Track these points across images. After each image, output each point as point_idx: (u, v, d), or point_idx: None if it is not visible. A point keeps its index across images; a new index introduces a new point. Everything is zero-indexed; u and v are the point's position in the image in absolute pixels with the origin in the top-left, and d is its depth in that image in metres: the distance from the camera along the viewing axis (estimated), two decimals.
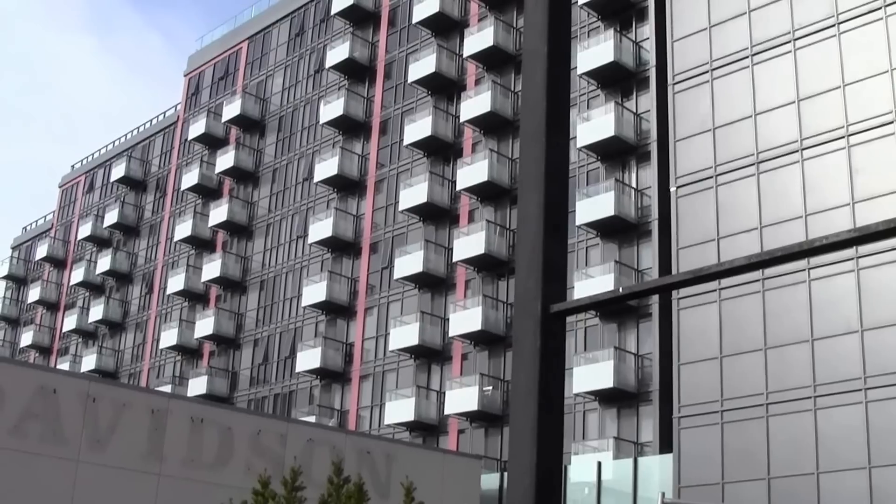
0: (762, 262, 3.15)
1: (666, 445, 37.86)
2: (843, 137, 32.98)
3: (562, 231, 3.82)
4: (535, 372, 3.60)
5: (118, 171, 77.59)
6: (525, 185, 3.83)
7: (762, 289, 33.54)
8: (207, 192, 69.02)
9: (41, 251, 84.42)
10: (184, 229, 68.08)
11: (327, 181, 58.99)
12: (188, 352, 66.23)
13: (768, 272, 32.40)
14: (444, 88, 55.22)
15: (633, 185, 44.87)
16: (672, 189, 37.68)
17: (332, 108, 59.83)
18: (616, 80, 46.51)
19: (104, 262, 75.24)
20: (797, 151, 33.93)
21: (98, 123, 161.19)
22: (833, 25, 34.04)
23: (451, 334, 49.12)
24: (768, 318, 33.28)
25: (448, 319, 49.85)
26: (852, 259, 31.64)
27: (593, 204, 44.19)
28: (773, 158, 34.53)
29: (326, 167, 58.79)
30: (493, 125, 51.57)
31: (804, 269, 32.40)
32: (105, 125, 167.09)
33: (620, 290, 3.59)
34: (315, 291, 56.72)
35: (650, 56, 45.12)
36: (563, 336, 3.74)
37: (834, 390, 31.31)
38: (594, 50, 46.27)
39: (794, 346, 32.44)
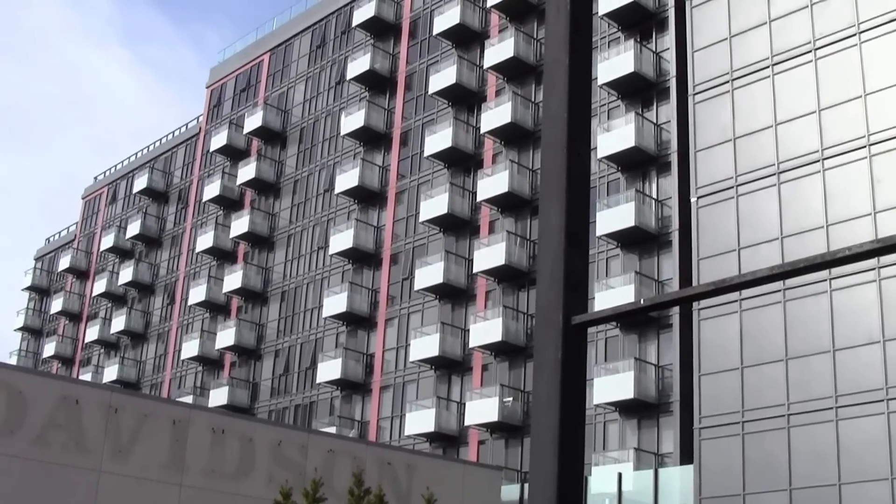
0: (785, 272, 3.14)
1: (687, 456, 37.71)
2: (864, 147, 32.83)
3: (583, 242, 3.82)
4: (557, 383, 3.60)
5: (140, 183, 77.99)
6: (547, 195, 3.84)
7: (783, 299, 33.39)
8: (229, 203, 69.28)
9: (64, 262, 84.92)
10: (205, 240, 68.34)
11: (348, 192, 59.12)
12: (209, 362, 66.42)
13: (789, 282, 32.26)
14: (465, 100, 55.30)
15: (654, 195, 44.78)
16: (693, 199, 37.58)
17: (353, 120, 59.99)
18: (636, 91, 46.47)
19: (126, 273, 75.58)
20: (818, 161, 33.79)
21: (129, 135, 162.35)
22: (854, 35, 33.92)
23: (471, 345, 49.10)
24: (789, 328, 33.13)
25: (468, 330, 49.84)
26: (874, 269, 31.47)
27: (614, 214, 44.14)
28: (794, 168, 34.40)
29: (347, 178, 58.92)
30: (513, 136, 51.59)
31: (825, 280, 32.25)
32: (136, 137, 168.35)
33: (642, 301, 3.58)
34: (336, 302, 56.80)
35: (670, 66, 45.08)
36: (584, 347, 3.73)
37: (856, 401, 31.12)
38: (614, 60, 46.25)
39: (816, 356, 32.27)
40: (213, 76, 76.86)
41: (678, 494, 36.01)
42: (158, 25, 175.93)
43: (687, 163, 39.63)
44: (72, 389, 23.58)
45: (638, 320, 42.52)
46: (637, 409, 42.13)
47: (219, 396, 61.86)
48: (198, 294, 67.41)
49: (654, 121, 45.61)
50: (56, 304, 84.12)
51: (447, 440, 49.69)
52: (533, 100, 52.01)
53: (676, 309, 40.48)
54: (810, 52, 34.95)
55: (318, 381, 56.67)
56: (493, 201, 50.74)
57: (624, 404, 42.08)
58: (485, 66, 53.53)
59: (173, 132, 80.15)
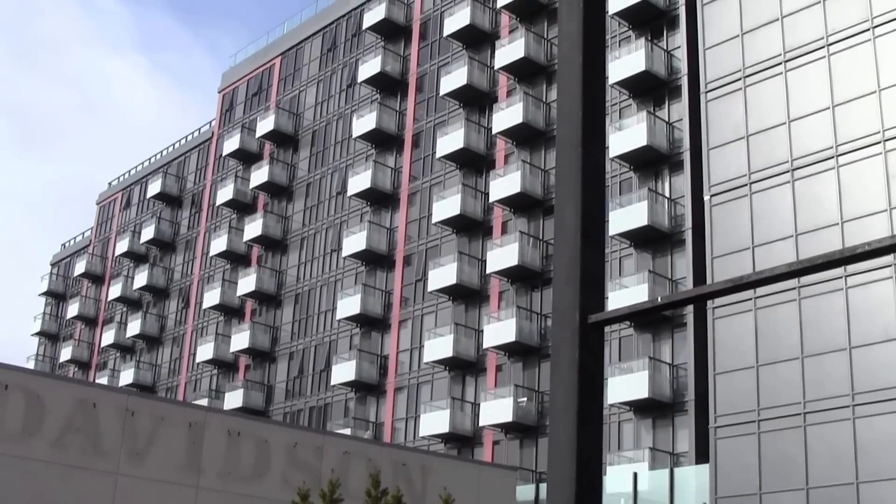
0: (803, 269, 3.12)
1: (702, 456, 37.62)
2: (878, 143, 32.70)
3: (598, 241, 3.81)
4: (574, 383, 3.59)
5: (154, 188, 78.18)
6: (562, 194, 3.83)
7: (798, 297, 33.28)
8: (242, 206, 69.40)
9: (80, 267, 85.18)
10: (219, 244, 68.46)
11: (360, 195, 59.15)
12: (224, 365, 66.53)
13: (804, 280, 32.15)
14: (476, 101, 55.28)
15: (667, 194, 44.69)
16: (706, 197, 37.49)
17: (364, 122, 60.04)
18: (648, 89, 46.38)
19: (141, 278, 75.78)
20: (832, 158, 33.68)
21: (144, 140, 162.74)
22: (867, 30, 33.79)
23: (485, 346, 49.07)
24: (805, 326, 33.01)
25: (482, 331, 49.81)
26: (890, 266, 31.34)
27: (627, 213, 44.06)
28: (808, 165, 34.29)
29: (359, 181, 58.96)
30: (525, 137, 51.55)
31: (841, 277, 32.13)
32: (151, 141, 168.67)
33: (659, 299, 3.57)
34: (349, 304, 56.85)
35: (682, 64, 44.98)
36: (601, 347, 3.72)
37: (873, 398, 31.00)
38: (626, 59, 46.18)
39: (832, 354, 32.15)
40: (224, 81, 77.00)
41: (694, 494, 35.93)
42: (173, 31, 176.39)
43: (700, 161, 39.53)
44: (89, 393, 23.68)
45: (652, 319, 42.44)
46: (652, 409, 42.05)
47: (234, 399, 61.97)
48: (212, 297, 67.55)
49: (667, 119, 45.52)
50: (72, 309, 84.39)
51: (462, 441, 49.68)
52: (544, 100, 51.97)
53: (690, 308, 40.38)
54: (823, 47, 34.83)
55: (332, 383, 56.71)
56: (506, 202, 50.71)
57: (638, 404, 42.00)
58: (496, 67, 53.51)
59: (186, 137, 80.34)
